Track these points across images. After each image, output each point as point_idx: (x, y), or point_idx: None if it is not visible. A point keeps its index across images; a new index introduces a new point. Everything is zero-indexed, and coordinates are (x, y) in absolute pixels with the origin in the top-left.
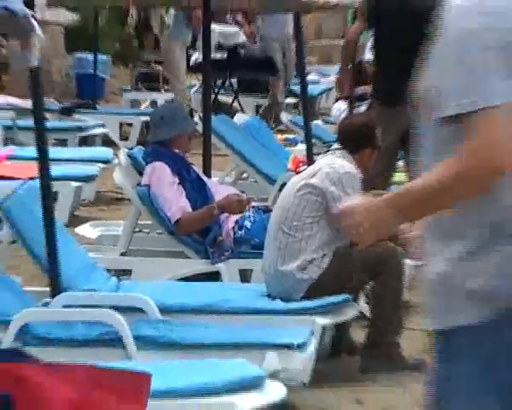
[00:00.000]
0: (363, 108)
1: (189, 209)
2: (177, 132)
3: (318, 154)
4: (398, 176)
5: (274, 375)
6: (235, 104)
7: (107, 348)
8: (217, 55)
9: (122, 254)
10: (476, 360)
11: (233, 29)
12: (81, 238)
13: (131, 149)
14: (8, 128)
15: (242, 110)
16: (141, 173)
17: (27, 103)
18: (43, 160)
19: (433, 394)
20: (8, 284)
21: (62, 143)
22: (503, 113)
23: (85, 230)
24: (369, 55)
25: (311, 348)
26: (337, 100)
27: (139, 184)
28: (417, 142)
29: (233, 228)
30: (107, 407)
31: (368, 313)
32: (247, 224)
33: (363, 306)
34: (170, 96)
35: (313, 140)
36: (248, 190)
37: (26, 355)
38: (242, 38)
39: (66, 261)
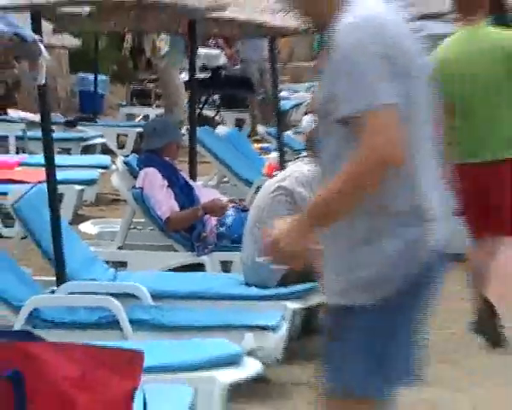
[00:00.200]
0: None
1: (177, 209)
2: (166, 142)
3: (289, 160)
4: None
5: (251, 353)
6: (218, 118)
7: (105, 330)
8: (201, 75)
9: (119, 248)
10: (363, 330)
11: (215, 52)
12: (83, 234)
13: (127, 156)
14: (19, 138)
15: (224, 123)
16: (135, 178)
17: (36, 117)
18: (50, 166)
19: (328, 352)
20: (19, 274)
21: (67, 151)
22: (390, 112)
23: (87, 227)
24: None
25: (283, 329)
26: (306, 113)
27: (134, 187)
28: (318, 144)
29: (216, 225)
30: (106, 382)
31: None
32: (228, 221)
33: None
34: (160, 110)
35: (285, 148)
36: (228, 192)
37: (35, 336)
38: (224, 60)
39: (70, 255)
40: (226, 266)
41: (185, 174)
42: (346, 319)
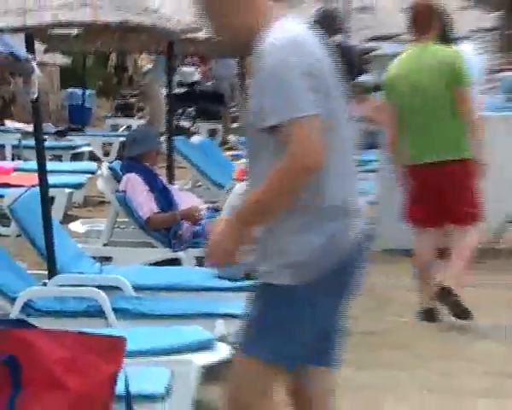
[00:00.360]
0: None
1: (157, 210)
2: (146, 150)
3: None
4: None
5: (222, 338)
6: (193, 128)
7: (92, 318)
8: (179, 90)
9: (104, 245)
10: (285, 306)
11: (191, 69)
12: (72, 233)
13: (111, 163)
14: (15, 147)
15: (198, 133)
16: (119, 182)
17: (30, 127)
18: (42, 171)
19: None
20: (14, 268)
21: (58, 158)
22: (313, 122)
23: (76, 226)
24: None
25: None
26: None
27: (117, 191)
28: (246, 151)
29: (191, 224)
30: (92, 365)
31: None
32: (203, 221)
33: None
34: (141, 121)
35: None
36: (202, 194)
37: (29, 324)
38: (198, 77)
39: (60, 251)
40: (200, 262)
41: (164, 179)
42: (271, 295)
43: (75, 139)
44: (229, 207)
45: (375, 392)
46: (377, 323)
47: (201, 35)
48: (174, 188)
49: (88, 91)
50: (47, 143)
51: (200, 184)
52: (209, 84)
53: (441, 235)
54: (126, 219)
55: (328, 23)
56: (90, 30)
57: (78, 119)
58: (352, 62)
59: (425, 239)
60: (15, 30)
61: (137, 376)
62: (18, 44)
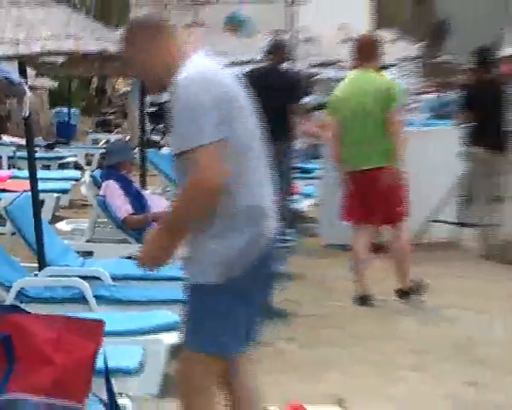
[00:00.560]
0: None
1: (131, 212)
2: (122, 160)
3: None
4: None
5: None
6: (162, 141)
7: (76, 304)
8: (150, 109)
9: (87, 241)
10: (214, 302)
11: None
12: (59, 231)
13: (93, 171)
14: (10, 158)
15: (167, 146)
16: (99, 188)
17: (23, 141)
18: (34, 179)
19: (188, 318)
20: (9, 261)
21: (47, 167)
22: (215, 149)
23: (62, 225)
24: None
25: None
26: None
27: (98, 195)
28: (176, 176)
29: None
30: (76, 344)
31: None
32: None
33: None
34: (118, 136)
35: None
36: (171, 198)
37: (22, 309)
38: (167, 97)
39: (49, 246)
40: None
41: (137, 185)
42: (202, 293)
43: (62, 151)
44: None
45: (319, 367)
46: (319, 307)
47: None
48: (147, 193)
49: (73, 110)
50: (38, 155)
51: (168, 189)
52: None
53: (374, 232)
54: (105, 220)
55: (278, 51)
56: (74, 58)
57: (65, 134)
58: (299, 85)
59: (360, 235)
60: (10, 58)
61: (114, 353)
62: (12, 70)
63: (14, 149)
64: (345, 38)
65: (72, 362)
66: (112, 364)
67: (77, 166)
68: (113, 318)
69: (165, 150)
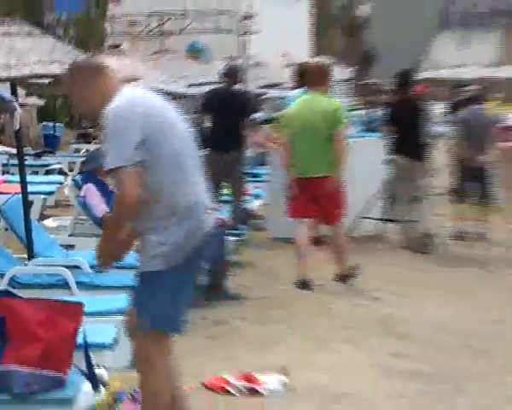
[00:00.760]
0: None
1: (107, 211)
2: (98, 166)
3: None
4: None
5: None
6: None
7: (60, 289)
8: None
9: (69, 236)
10: (159, 286)
11: None
12: (46, 227)
13: (75, 176)
14: (4, 165)
15: None
16: (80, 190)
17: (15, 151)
18: (24, 183)
19: (137, 300)
20: (3, 253)
21: (35, 173)
22: (133, 169)
23: (49, 222)
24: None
25: None
26: None
27: (79, 196)
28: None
29: None
30: (59, 323)
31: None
32: None
33: None
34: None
35: None
36: None
37: (14, 294)
38: None
39: (37, 240)
40: None
41: (112, 187)
42: (149, 279)
43: (48, 159)
44: None
45: (267, 341)
46: (267, 291)
47: (141, 82)
48: None
49: (57, 124)
50: (27, 162)
51: None
52: None
53: (314, 227)
54: (85, 217)
55: (232, 75)
56: (58, 79)
57: (51, 144)
58: (249, 103)
59: (304, 230)
60: (2, 80)
61: (92, 331)
62: (5, 90)
63: (7, 157)
64: (287, 63)
65: (56, 338)
66: (90, 340)
67: (61, 172)
68: (91, 301)
69: None
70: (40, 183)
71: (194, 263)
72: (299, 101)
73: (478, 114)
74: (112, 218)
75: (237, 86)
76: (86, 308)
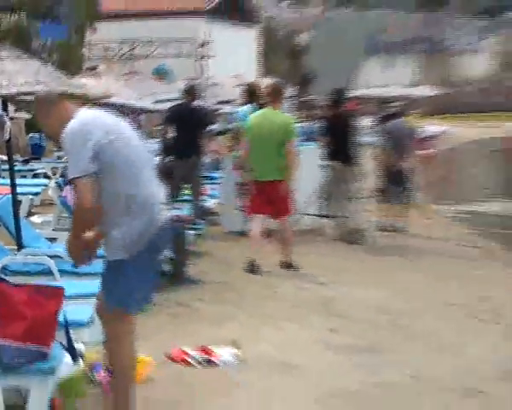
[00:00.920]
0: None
1: None
2: None
3: None
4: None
5: None
6: None
7: (45, 276)
8: None
9: (53, 230)
10: (123, 272)
11: None
12: (33, 223)
13: (57, 179)
14: None
15: None
16: (62, 191)
17: (5, 157)
18: (14, 185)
19: (104, 284)
20: None
21: (24, 176)
22: (87, 179)
23: (35, 219)
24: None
25: None
26: None
27: (60, 196)
28: None
29: None
30: (43, 304)
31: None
32: None
33: None
34: None
35: None
36: None
37: (5, 280)
38: None
39: (25, 234)
40: None
41: None
42: (113, 266)
43: (35, 165)
44: None
45: (221, 319)
46: (221, 276)
47: (113, 100)
48: None
49: (43, 135)
50: (17, 168)
51: None
52: None
53: (266, 222)
54: (66, 214)
55: (191, 92)
56: None
57: (37, 152)
58: (206, 117)
59: (257, 224)
60: None
61: (72, 311)
62: None
63: None
64: (239, 83)
65: (41, 317)
66: (70, 318)
67: (45, 176)
68: (71, 285)
69: None
70: (28, 185)
71: (152, 252)
72: (258, 114)
73: (400, 127)
74: (73, 221)
75: (196, 103)
76: (66, 292)
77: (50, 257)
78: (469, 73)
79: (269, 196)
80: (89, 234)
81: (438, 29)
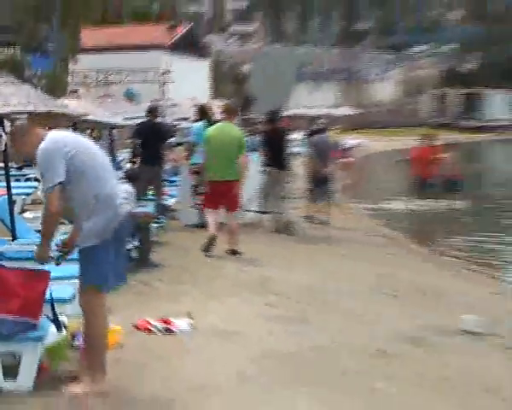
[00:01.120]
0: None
1: None
2: None
3: None
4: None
5: None
6: None
7: (35, 261)
8: None
9: (41, 224)
10: (95, 255)
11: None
12: (25, 218)
13: None
14: None
15: None
16: None
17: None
18: (9, 187)
19: (80, 266)
20: None
21: (18, 180)
22: (56, 189)
23: (27, 215)
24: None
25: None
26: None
27: None
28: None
29: None
30: (33, 285)
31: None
32: None
33: None
34: None
35: None
36: None
37: (2, 265)
38: None
39: (18, 227)
40: None
41: None
42: (86, 252)
43: (27, 171)
44: None
45: (177, 296)
46: (178, 261)
47: (91, 117)
48: None
49: None
50: (12, 173)
51: None
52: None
53: (220, 215)
54: None
55: (155, 112)
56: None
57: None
58: (167, 131)
59: (214, 217)
60: None
61: (56, 290)
62: None
63: None
64: (193, 104)
65: (31, 295)
66: (55, 296)
67: (36, 179)
68: (56, 269)
69: None
70: (21, 187)
71: (117, 239)
72: (216, 127)
73: (324, 140)
74: (42, 224)
75: (158, 120)
76: (52, 274)
77: None
78: (379, 98)
79: (222, 194)
80: (68, 235)
81: (354, 61)
